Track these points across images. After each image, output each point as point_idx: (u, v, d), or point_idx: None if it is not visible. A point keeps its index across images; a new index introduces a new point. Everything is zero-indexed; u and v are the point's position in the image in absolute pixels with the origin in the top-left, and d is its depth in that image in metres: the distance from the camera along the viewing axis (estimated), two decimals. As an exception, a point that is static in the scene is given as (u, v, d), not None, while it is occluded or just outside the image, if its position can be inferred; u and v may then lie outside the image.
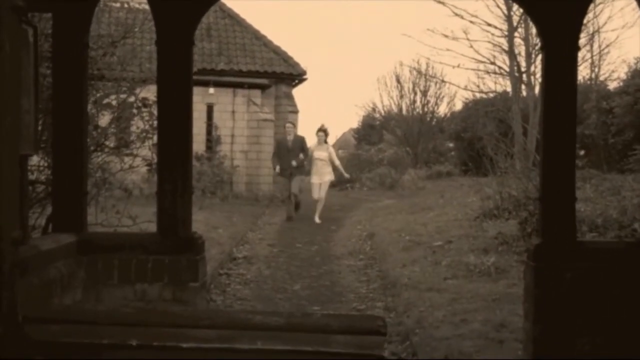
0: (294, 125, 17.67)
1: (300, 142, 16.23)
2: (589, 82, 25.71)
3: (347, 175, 18.94)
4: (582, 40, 22.78)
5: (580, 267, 4.82)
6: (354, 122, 60.02)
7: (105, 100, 7.82)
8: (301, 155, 15.89)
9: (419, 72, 34.75)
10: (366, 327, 2.32)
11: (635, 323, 4.77)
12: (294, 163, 15.70)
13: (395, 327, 6.58)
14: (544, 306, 4.82)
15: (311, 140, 16.96)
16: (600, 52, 27.03)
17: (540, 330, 4.82)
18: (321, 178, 16.12)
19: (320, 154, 16.14)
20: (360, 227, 15.28)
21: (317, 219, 15.93)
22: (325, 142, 16.72)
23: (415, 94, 35.81)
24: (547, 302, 4.81)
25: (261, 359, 2.29)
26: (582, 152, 19.66)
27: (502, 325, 6.34)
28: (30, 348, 2.51)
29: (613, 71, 42.03)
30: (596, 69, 26.96)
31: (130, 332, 2.42)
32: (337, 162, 16.93)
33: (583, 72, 25.97)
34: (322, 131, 16.44)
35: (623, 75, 24.43)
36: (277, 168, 15.95)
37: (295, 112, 22.73)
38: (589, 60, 26.31)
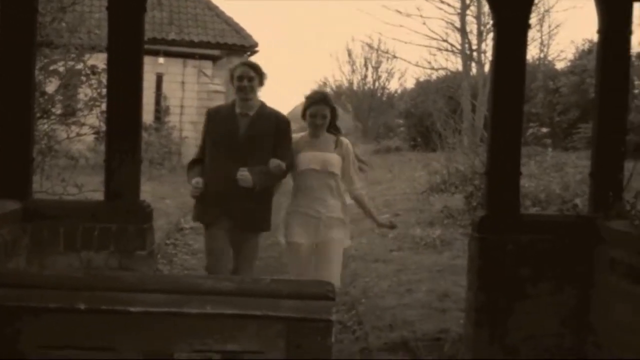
0: (260, 78, 5.12)
1: (275, 126, 5.17)
2: (537, 61, 26.15)
3: (387, 223, 6.46)
4: (533, 20, 23.08)
5: (522, 238, 4.96)
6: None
7: (53, 67, 7.68)
8: (275, 162, 5.03)
9: (371, 47, 34.87)
10: (315, 293, 2.35)
11: (568, 290, 4.94)
12: (242, 175, 4.98)
13: (341, 297, 6.67)
14: (486, 276, 4.95)
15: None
16: (549, 33, 27.49)
17: (482, 299, 4.95)
18: (325, 232, 5.43)
19: (321, 156, 5.26)
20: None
21: None
22: (334, 132, 5.32)
23: (367, 69, 35.94)
24: (489, 272, 4.94)
25: (210, 323, 2.31)
26: (544, 129, 19.95)
27: (446, 295, 6.49)
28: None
29: (561, 51, 42.94)
30: (545, 49, 27.43)
31: (78, 296, 2.40)
32: (363, 190, 5.77)
33: (532, 52, 26.41)
34: (324, 103, 5.22)
35: (571, 56, 24.98)
36: (197, 183, 5.48)
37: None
38: (539, 40, 26.75)
